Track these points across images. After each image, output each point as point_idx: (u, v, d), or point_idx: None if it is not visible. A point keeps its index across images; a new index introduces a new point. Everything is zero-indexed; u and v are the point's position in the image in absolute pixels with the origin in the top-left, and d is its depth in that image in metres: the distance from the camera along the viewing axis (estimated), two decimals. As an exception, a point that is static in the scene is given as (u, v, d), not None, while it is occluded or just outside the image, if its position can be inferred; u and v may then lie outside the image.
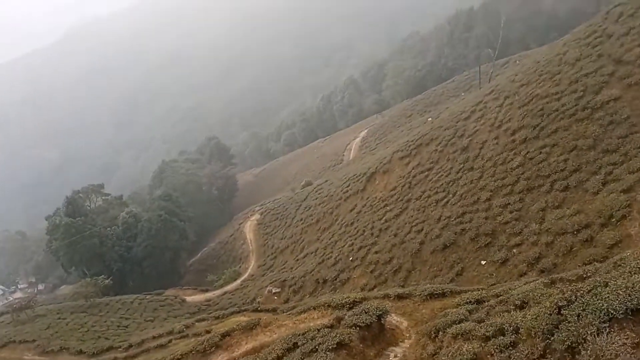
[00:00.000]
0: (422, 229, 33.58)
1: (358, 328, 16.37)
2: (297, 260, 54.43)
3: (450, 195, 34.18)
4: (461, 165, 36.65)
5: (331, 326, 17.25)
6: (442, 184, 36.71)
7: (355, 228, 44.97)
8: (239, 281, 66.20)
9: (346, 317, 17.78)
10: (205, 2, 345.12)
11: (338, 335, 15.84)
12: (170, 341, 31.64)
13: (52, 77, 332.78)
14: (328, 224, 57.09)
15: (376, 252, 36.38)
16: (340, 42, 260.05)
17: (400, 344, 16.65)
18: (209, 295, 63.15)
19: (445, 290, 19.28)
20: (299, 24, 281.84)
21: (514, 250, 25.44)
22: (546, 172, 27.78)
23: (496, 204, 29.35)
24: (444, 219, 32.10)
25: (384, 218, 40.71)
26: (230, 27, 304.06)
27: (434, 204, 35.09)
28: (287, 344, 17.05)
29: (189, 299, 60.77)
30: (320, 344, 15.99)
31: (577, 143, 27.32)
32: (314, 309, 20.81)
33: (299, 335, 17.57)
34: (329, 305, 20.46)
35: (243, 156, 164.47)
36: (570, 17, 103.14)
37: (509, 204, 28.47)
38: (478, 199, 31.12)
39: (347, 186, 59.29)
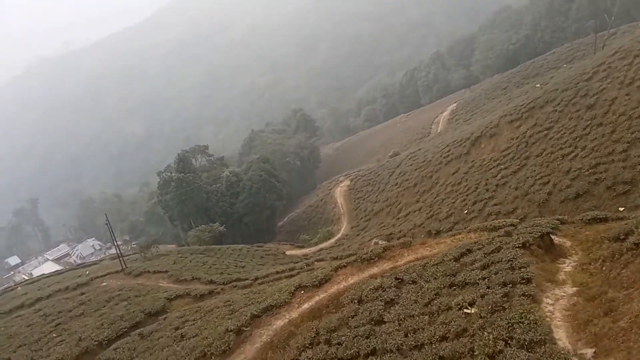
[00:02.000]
0: (548, 181, 33.75)
1: (532, 238, 17.42)
2: (398, 219, 55.62)
3: (579, 150, 34.03)
4: (588, 122, 36.22)
5: (505, 236, 18.38)
6: (567, 140, 36.49)
7: (465, 186, 45.48)
8: (332, 240, 68.60)
9: (517, 230, 18.87)
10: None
11: (520, 237, 17.00)
12: (297, 273, 34.04)
13: (141, 52, 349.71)
14: (427, 187, 57.79)
15: (495, 205, 36.91)
16: (417, 20, 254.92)
17: (569, 257, 17.53)
18: (305, 250, 65.96)
19: (607, 216, 19.84)
20: (373, 2, 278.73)
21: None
22: (693, 121, 27.20)
23: (634, 154, 29.13)
24: (574, 171, 32.13)
25: (500, 175, 40.98)
26: (306, 3, 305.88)
27: (560, 158, 35.05)
28: (461, 250, 18.40)
29: (287, 252, 63.82)
30: (501, 245, 17.24)
31: None
32: (470, 232, 21.97)
33: (470, 244, 18.89)
34: (485, 229, 21.58)
35: (321, 131, 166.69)
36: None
37: (650, 152, 28.16)
38: (613, 150, 30.90)
39: (448, 151, 59.49)
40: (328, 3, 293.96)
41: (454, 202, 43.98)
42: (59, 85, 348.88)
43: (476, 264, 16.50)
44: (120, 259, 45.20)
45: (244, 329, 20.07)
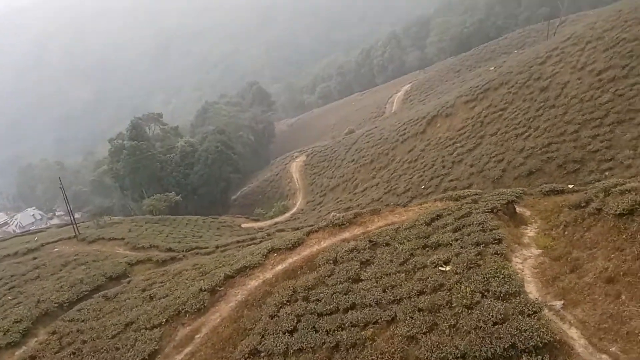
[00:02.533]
0: (502, 159, 35.49)
1: (499, 204, 18.59)
2: (355, 194, 56.78)
3: (532, 130, 35.86)
4: (541, 104, 38.12)
5: (472, 203, 19.48)
6: (521, 121, 38.33)
7: (422, 163, 46.98)
8: (288, 214, 69.15)
9: (483, 198, 20.02)
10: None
11: (488, 203, 18.12)
12: (260, 242, 34.41)
13: (89, 18, 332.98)
14: (384, 163, 59.15)
15: (451, 181, 38.46)
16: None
17: (529, 224, 18.82)
18: (260, 224, 66.13)
19: (564, 188, 21.31)
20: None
21: (606, 173, 27.26)
22: (638, 106, 29.27)
23: (585, 135, 31.06)
24: (528, 149, 33.93)
25: (455, 152, 42.59)
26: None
27: (514, 137, 36.85)
28: (432, 215, 19.38)
29: (243, 225, 63.86)
30: (470, 211, 18.30)
31: (673, 80, 28.68)
32: (436, 200, 23.03)
33: (440, 210, 19.91)
34: (450, 198, 22.68)
35: (276, 106, 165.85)
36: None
37: (599, 134, 30.19)
38: (564, 131, 32.81)
39: (404, 129, 60.94)
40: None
41: (410, 178, 45.42)
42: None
43: (448, 227, 17.48)
44: (74, 224, 43.98)
45: (218, 288, 20.40)
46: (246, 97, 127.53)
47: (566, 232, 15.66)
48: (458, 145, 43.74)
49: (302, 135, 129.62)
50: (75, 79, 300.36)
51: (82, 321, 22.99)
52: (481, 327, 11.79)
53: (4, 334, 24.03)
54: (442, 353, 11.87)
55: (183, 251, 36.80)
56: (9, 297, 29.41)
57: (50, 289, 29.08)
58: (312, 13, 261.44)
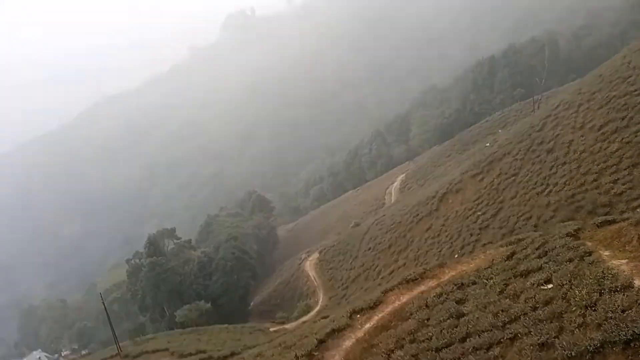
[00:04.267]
0: (531, 216, 37.55)
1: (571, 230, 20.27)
2: (382, 278, 57.44)
3: (552, 186, 38.37)
4: (552, 163, 41.04)
5: (541, 236, 21.12)
6: (537, 181, 40.96)
7: (447, 236, 48.69)
8: (313, 313, 68.59)
9: (546, 233, 21.72)
10: (216, 70, 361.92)
11: (561, 231, 19.80)
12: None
13: (72, 155, 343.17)
14: (403, 246, 60.58)
15: (485, 244, 39.95)
16: (351, 105, 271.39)
17: (596, 251, 20.39)
18: (287, 326, 65.40)
19: (615, 218, 23.16)
20: (310, 90, 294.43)
21: (638, 210, 29.30)
22: (649, 148, 32.17)
23: (605, 181, 33.57)
24: (554, 203, 36.16)
25: (479, 220, 44.60)
26: (242, 93, 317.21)
27: (536, 195, 39.21)
28: (506, 253, 20.89)
29: (271, 329, 63.11)
30: (546, 240, 19.91)
31: (673, 121, 31.93)
32: (499, 247, 24.57)
33: (511, 248, 21.44)
34: (510, 243, 24.24)
35: (275, 212, 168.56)
36: (585, 60, 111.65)
37: (618, 179, 32.70)
38: (584, 181, 35.32)
39: (416, 211, 63.24)
40: (264, 92, 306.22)
41: (439, 251, 46.83)
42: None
43: (531, 256, 19.00)
44: (117, 342, 43.56)
45: (314, 353, 21.00)
46: (245, 207, 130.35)
47: (642, 242, 17.30)
48: (479, 213, 45.83)
49: (304, 238, 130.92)
50: (63, 217, 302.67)
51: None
52: (610, 317, 13.06)
53: None
54: (580, 348, 13.00)
55: (239, 352, 36.59)
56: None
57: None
58: (292, 124, 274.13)
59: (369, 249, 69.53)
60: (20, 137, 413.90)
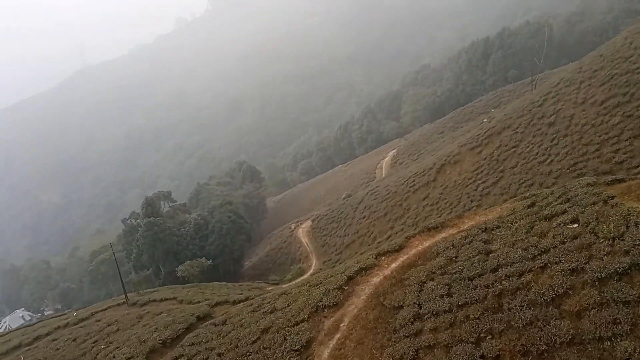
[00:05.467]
0: (533, 183, 39.36)
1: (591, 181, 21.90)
2: (379, 243, 59.12)
3: (553, 156, 40.16)
4: (553, 135, 42.83)
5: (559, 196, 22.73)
6: (538, 152, 42.74)
7: (446, 202, 50.48)
8: (306, 276, 70.29)
9: (563, 186, 23.34)
10: (204, 44, 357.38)
11: (581, 181, 21.40)
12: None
13: (56, 120, 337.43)
14: (400, 214, 62.36)
15: (486, 209, 41.75)
16: (341, 82, 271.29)
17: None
18: (282, 286, 67.12)
19: (624, 177, 24.88)
20: (300, 66, 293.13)
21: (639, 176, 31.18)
22: (650, 120, 34.02)
23: (607, 151, 35.42)
24: (555, 171, 37.98)
25: (480, 187, 46.40)
26: (231, 67, 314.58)
27: (537, 165, 41.01)
28: (527, 202, 22.47)
29: (267, 288, 64.78)
30: (566, 189, 21.52)
31: (675, 96, 33.76)
32: (514, 202, 26.19)
33: (531, 197, 23.03)
34: (524, 198, 25.88)
35: (265, 183, 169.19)
36: (577, 45, 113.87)
37: (620, 149, 34.57)
38: (586, 151, 37.16)
39: (413, 181, 64.89)
40: (253, 67, 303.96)
41: (440, 216, 48.52)
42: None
43: (554, 203, 20.58)
44: (124, 289, 44.62)
45: (344, 287, 22.49)
46: (235, 177, 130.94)
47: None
48: (479, 182, 47.62)
49: (292, 209, 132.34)
50: (44, 182, 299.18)
51: (205, 342, 24.27)
52: (638, 244, 14.72)
53: (123, 369, 24.93)
54: (609, 270, 14.66)
55: (249, 297, 37.92)
56: (102, 346, 30.08)
57: (141, 333, 29.97)
58: (280, 99, 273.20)
59: (364, 217, 71.16)
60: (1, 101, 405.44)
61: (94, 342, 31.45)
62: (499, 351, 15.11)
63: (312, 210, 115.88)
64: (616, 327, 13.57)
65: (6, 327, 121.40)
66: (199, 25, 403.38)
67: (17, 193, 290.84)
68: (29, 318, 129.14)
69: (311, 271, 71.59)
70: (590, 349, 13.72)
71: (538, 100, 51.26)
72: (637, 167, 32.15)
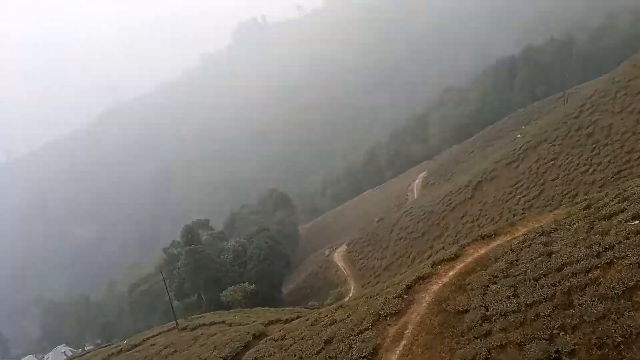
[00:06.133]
0: (577, 194, 39.30)
1: None
2: (420, 262, 59.06)
3: (595, 165, 40.21)
4: (593, 145, 42.90)
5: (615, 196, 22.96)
6: (579, 163, 42.80)
7: (487, 219, 50.48)
8: (345, 300, 70.40)
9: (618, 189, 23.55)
10: (228, 76, 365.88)
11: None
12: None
13: (89, 157, 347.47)
14: (438, 233, 62.34)
15: (536, 216, 41.72)
16: (363, 109, 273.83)
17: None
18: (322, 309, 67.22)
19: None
20: (323, 95, 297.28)
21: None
22: (694, 124, 33.99)
23: (651, 157, 35.31)
24: (599, 180, 37.99)
25: (522, 201, 46.48)
26: (256, 98, 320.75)
27: (580, 175, 41.06)
28: (582, 205, 22.74)
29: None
30: (620, 192, 21.76)
31: None
32: (567, 206, 26.42)
33: (586, 202, 23.30)
34: (575, 204, 26.10)
35: (296, 210, 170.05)
36: (603, 60, 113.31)
37: (664, 154, 34.43)
38: (629, 159, 37.17)
39: (449, 200, 65.00)
40: (276, 96, 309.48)
41: (482, 229, 48.45)
42: (2, 195, 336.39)
43: (611, 203, 20.83)
44: (174, 315, 45.56)
45: (404, 296, 22.91)
46: (267, 205, 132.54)
47: None
48: (520, 196, 47.68)
49: (324, 235, 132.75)
50: (78, 219, 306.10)
51: (268, 356, 24.85)
52: None
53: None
54: (682, 260, 14.91)
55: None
56: (163, 366, 30.82)
57: (200, 352, 30.70)
58: (304, 128, 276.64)
59: (401, 238, 71.29)
60: (34, 141, 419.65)
61: (153, 364, 32.23)
62: (574, 345, 15.33)
63: (344, 235, 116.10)
64: (690, 317, 13.77)
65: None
66: (222, 58, 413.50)
67: (52, 231, 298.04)
68: (71, 354, 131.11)
69: (350, 295, 71.65)
70: (666, 337, 13.91)
71: (573, 112, 51.41)
72: (685, 170, 31.99)
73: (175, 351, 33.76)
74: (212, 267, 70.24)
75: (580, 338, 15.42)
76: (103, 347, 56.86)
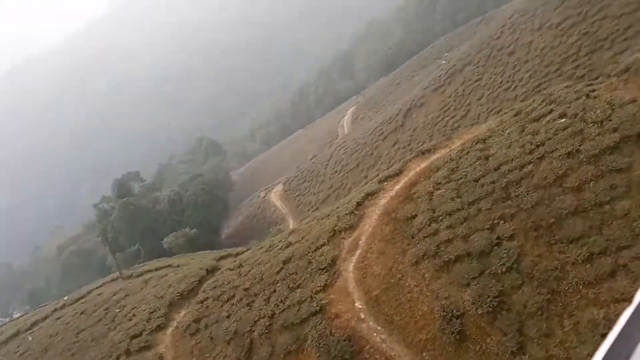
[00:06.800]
0: (500, 109, 41.38)
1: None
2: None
3: (517, 81, 42.48)
4: (515, 63, 45.08)
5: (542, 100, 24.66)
6: (502, 81, 45.01)
7: (418, 143, 52.41)
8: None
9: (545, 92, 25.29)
10: (140, 23, 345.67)
11: (573, 87, 23.35)
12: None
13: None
14: (371, 163, 64.16)
15: (470, 127, 43.87)
16: (287, 49, 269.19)
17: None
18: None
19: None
20: (243, 36, 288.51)
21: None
22: (604, 35, 36.51)
23: (567, 69, 37.86)
24: (521, 95, 40.26)
25: (450, 122, 48.54)
26: (173, 43, 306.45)
27: (503, 91, 43.27)
28: (514, 112, 24.30)
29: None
30: (548, 97, 23.43)
31: (624, 10, 36.24)
32: (499, 116, 28.06)
33: (517, 109, 24.92)
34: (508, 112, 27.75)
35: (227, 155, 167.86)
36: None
37: (579, 65, 37.03)
38: (548, 72, 39.53)
39: (380, 130, 66.69)
40: (193, 41, 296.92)
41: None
42: None
43: (539, 107, 22.42)
44: (117, 263, 44.81)
45: (355, 212, 23.94)
46: (197, 153, 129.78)
47: None
48: (448, 117, 49.79)
49: (257, 178, 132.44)
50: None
51: (227, 283, 25.39)
52: (625, 120, 16.66)
53: (147, 321, 25.84)
54: (602, 146, 16.61)
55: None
56: (116, 310, 30.70)
57: (155, 292, 30.75)
58: (226, 71, 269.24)
59: (336, 172, 72.63)
60: None
61: (105, 310, 31.98)
62: (512, 231, 16.94)
63: (278, 176, 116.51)
64: (614, 192, 15.54)
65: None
66: (131, 5, 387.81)
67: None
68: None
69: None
70: (592, 214, 15.67)
71: (495, 34, 53.39)
72: (597, 78, 34.52)
73: (127, 295, 33.55)
74: (148, 218, 68.86)
75: (517, 224, 17.04)
76: (41, 306, 55.30)
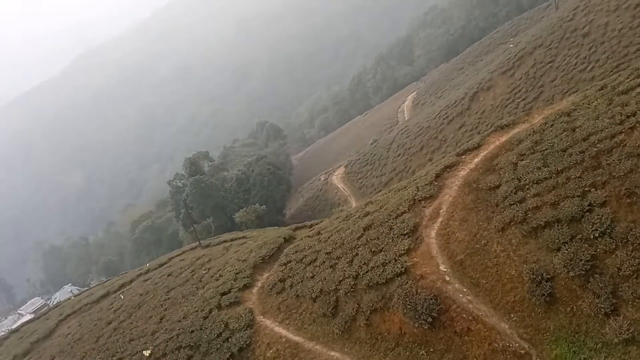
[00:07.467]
0: (577, 90, 40.69)
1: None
2: (421, 174, 61.24)
3: (593, 63, 41.56)
4: (590, 44, 44.03)
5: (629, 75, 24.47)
6: (577, 62, 44.08)
7: (486, 125, 52.09)
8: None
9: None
10: (202, 12, 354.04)
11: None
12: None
13: (67, 105, 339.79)
14: (436, 146, 64.20)
15: (551, 104, 43.45)
16: (345, 36, 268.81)
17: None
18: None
19: None
20: (302, 24, 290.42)
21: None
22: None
23: (649, 49, 36.68)
24: (599, 75, 39.38)
25: (521, 104, 47.99)
26: (233, 32, 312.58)
27: (578, 73, 42.45)
28: (597, 87, 24.27)
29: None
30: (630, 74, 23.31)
31: None
32: (581, 92, 27.98)
33: (602, 85, 24.86)
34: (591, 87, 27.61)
35: (288, 140, 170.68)
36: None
37: (662, 44, 35.81)
38: (627, 53, 38.53)
39: (445, 113, 66.43)
40: (253, 31, 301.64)
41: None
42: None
43: (626, 81, 22.37)
44: (196, 234, 47.48)
45: (434, 183, 24.71)
46: (259, 137, 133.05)
47: None
48: (519, 100, 49.20)
49: (317, 163, 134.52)
50: (64, 167, 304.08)
51: (308, 248, 26.82)
52: None
53: (234, 280, 27.67)
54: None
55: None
56: (203, 272, 32.87)
57: (238, 256, 32.65)
58: (287, 60, 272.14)
59: (399, 155, 73.06)
60: (6, 93, 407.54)
61: (192, 272, 34.25)
62: (605, 198, 17.31)
63: (338, 161, 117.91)
64: None
65: (56, 302, 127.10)
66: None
67: (39, 180, 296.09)
68: (77, 292, 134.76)
69: (353, 212, 74.37)
70: (689, 182, 15.87)
71: (568, 16, 52.06)
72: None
73: (210, 260, 35.79)
74: (217, 195, 71.96)
75: (610, 191, 17.38)
76: (123, 273, 59.12)
